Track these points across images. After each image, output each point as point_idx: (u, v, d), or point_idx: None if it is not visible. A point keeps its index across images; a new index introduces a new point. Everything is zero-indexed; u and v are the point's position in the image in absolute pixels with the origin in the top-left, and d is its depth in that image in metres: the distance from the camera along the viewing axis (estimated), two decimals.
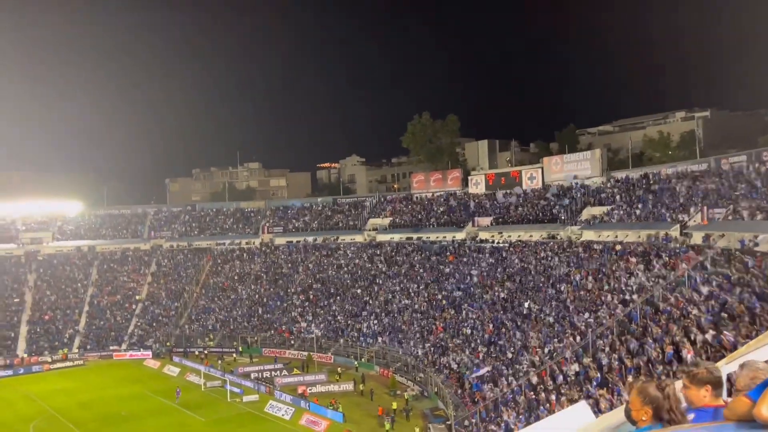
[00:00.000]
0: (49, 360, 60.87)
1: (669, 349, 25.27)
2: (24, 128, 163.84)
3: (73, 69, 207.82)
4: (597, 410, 23.85)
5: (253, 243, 77.78)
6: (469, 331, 46.62)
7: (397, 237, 68.40)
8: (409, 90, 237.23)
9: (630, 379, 25.32)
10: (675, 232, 40.41)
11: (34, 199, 77.93)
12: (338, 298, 63.79)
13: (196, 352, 61.34)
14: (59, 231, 78.96)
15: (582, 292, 40.06)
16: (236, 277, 72.95)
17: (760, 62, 76.85)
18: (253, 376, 51.46)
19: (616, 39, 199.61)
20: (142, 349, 63.68)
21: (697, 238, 37.84)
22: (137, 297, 71.58)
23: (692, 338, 24.89)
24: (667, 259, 36.76)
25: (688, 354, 23.65)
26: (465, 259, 58.13)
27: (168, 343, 64.24)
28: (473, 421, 33.87)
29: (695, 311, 27.26)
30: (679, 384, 3.17)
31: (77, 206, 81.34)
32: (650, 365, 25.56)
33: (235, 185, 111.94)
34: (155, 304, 70.68)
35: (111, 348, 64.48)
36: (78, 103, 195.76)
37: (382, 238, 69.89)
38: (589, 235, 49.35)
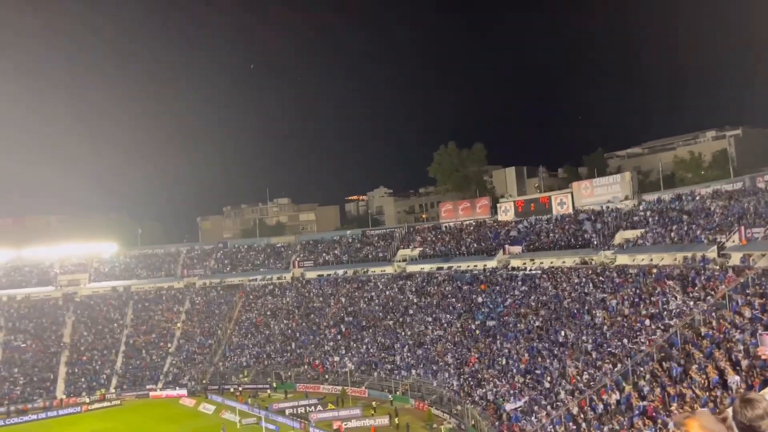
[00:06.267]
0: (87, 400, 61.52)
1: (713, 375, 24.51)
2: (60, 172, 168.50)
3: (104, 111, 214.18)
4: None
5: (285, 278, 78.15)
6: (504, 361, 45.86)
7: (427, 267, 68.05)
8: (435, 120, 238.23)
9: (674, 407, 24.55)
10: (712, 253, 39.49)
11: (70, 241, 79.79)
12: (370, 330, 63.45)
13: (231, 389, 61.38)
14: (95, 272, 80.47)
15: (619, 318, 39.23)
16: (269, 313, 73.16)
17: None
18: (287, 412, 51.16)
19: (642, 61, 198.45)
20: (177, 388, 63.98)
21: (735, 259, 36.92)
22: (178, 326, 72.28)
23: (737, 363, 24.13)
24: (705, 281, 35.89)
25: (736, 377, 22.90)
26: (497, 288, 57.51)
27: (203, 381, 64.48)
28: None
29: (738, 335, 26.46)
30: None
31: (112, 247, 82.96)
32: (694, 391, 24.78)
33: (266, 221, 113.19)
34: (189, 342, 71.18)
35: (147, 387, 64.93)
36: (110, 146, 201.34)
37: (412, 268, 69.60)
38: (623, 260, 48.51)
